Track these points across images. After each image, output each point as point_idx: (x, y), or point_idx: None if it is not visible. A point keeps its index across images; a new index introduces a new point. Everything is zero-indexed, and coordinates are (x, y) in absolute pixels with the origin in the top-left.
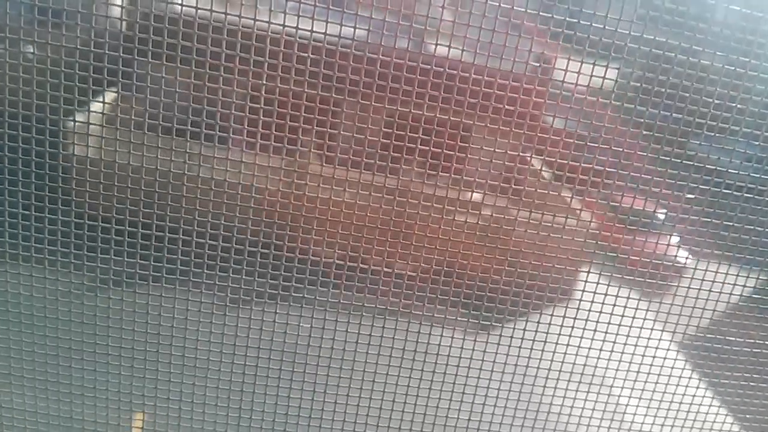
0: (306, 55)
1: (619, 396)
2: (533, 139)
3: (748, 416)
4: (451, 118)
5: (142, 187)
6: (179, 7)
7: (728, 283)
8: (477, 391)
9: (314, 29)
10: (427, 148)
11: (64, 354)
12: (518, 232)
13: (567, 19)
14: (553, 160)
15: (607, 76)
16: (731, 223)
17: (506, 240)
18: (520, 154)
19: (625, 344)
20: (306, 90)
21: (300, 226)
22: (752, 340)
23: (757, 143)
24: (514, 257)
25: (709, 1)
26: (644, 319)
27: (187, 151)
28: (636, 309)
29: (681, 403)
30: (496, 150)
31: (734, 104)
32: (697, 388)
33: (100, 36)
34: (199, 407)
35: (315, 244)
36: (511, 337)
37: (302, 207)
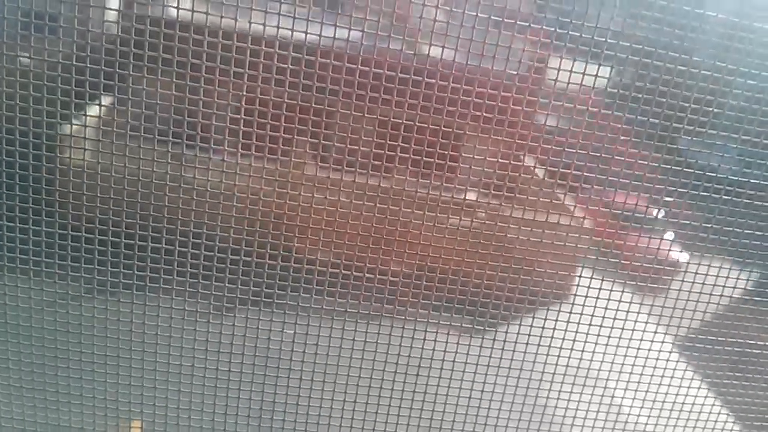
0: (300, 57)
1: (613, 393)
2: (526, 140)
3: (741, 414)
4: (444, 119)
5: (136, 194)
6: (171, 12)
7: (722, 277)
8: (472, 394)
9: (307, 33)
10: (420, 149)
11: (62, 363)
12: (512, 234)
13: (559, 18)
14: (546, 158)
15: (599, 76)
16: (719, 219)
17: (500, 242)
18: (514, 152)
19: (618, 341)
20: (299, 94)
21: (294, 226)
22: (746, 334)
23: (748, 141)
24: (507, 259)
25: None
26: (638, 312)
27: (179, 154)
28: (629, 304)
29: (675, 401)
30: (489, 149)
31: (725, 102)
32: (690, 383)
33: (91, 43)
34: (197, 414)
35: (308, 248)
36: (505, 340)
37: (294, 212)
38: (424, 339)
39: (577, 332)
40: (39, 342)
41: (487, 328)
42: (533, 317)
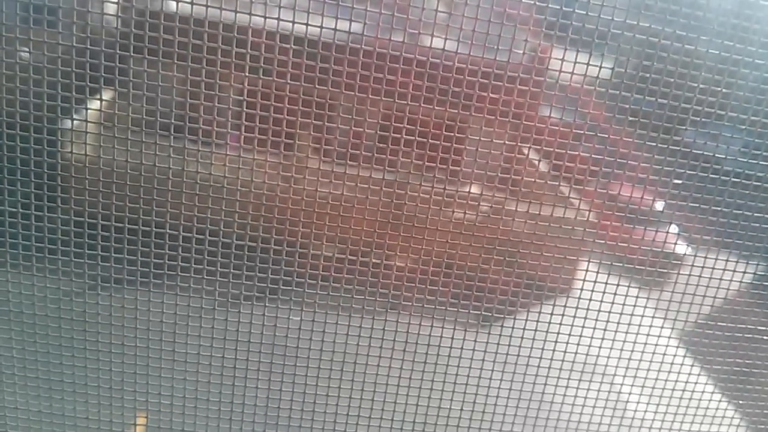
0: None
1: (621, 386)
2: (529, 131)
3: (747, 407)
4: (448, 110)
5: (141, 188)
6: (174, 4)
7: (728, 269)
8: (479, 386)
9: (309, 24)
10: (425, 140)
11: (70, 356)
12: (516, 226)
13: (563, 8)
14: (550, 150)
15: (602, 66)
16: (724, 210)
17: (504, 234)
18: (517, 144)
19: (625, 334)
20: (303, 84)
21: (299, 220)
22: (752, 327)
23: (753, 132)
24: (511, 252)
25: None
26: (644, 307)
27: (183, 148)
28: (635, 298)
29: (682, 390)
30: (493, 141)
31: (730, 93)
32: (697, 377)
33: (93, 35)
34: (203, 406)
35: (314, 241)
36: (512, 327)
37: (299, 204)
38: (431, 333)
39: (584, 323)
40: (47, 335)
41: (493, 320)
42: (539, 311)
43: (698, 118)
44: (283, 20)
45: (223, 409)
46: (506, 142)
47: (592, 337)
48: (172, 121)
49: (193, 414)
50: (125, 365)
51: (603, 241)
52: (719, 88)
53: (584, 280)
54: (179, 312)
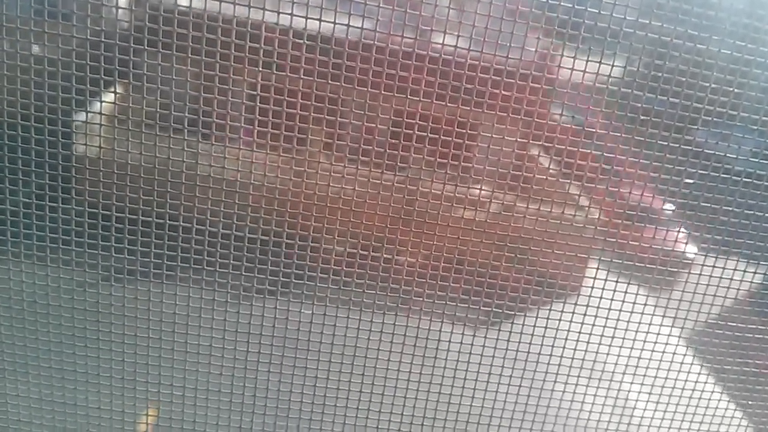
0: (314, 45)
1: (629, 390)
2: (540, 132)
3: (749, 404)
4: (460, 108)
5: (155, 183)
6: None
7: (738, 270)
8: (488, 383)
9: (322, 20)
10: (436, 138)
11: (83, 347)
12: (526, 226)
13: (575, 7)
14: (561, 149)
15: (614, 65)
16: (734, 212)
17: (515, 233)
18: (528, 144)
19: (634, 337)
20: (315, 80)
21: (311, 215)
22: (762, 328)
23: (765, 133)
24: (522, 252)
25: None
26: (647, 305)
27: (196, 142)
28: (645, 298)
29: (691, 391)
30: (505, 140)
31: (742, 93)
32: (698, 376)
33: (107, 29)
34: (214, 396)
35: (326, 236)
36: (522, 329)
37: (311, 199)
38: (440, 329)
39: (594, 322)
40: (60, 326)
41: (503, 318)
42: (549, 310)
43: (710, 118)
44: (296, 16)
45: (234, 401)
46: (518, 140)
47: (602, 336)
48: (186, 115)
49: (204, 406)
50: (137, 356)
51: (613, 241)
52: (731, 88)
53: (594, 278)
54: (192, 305)
